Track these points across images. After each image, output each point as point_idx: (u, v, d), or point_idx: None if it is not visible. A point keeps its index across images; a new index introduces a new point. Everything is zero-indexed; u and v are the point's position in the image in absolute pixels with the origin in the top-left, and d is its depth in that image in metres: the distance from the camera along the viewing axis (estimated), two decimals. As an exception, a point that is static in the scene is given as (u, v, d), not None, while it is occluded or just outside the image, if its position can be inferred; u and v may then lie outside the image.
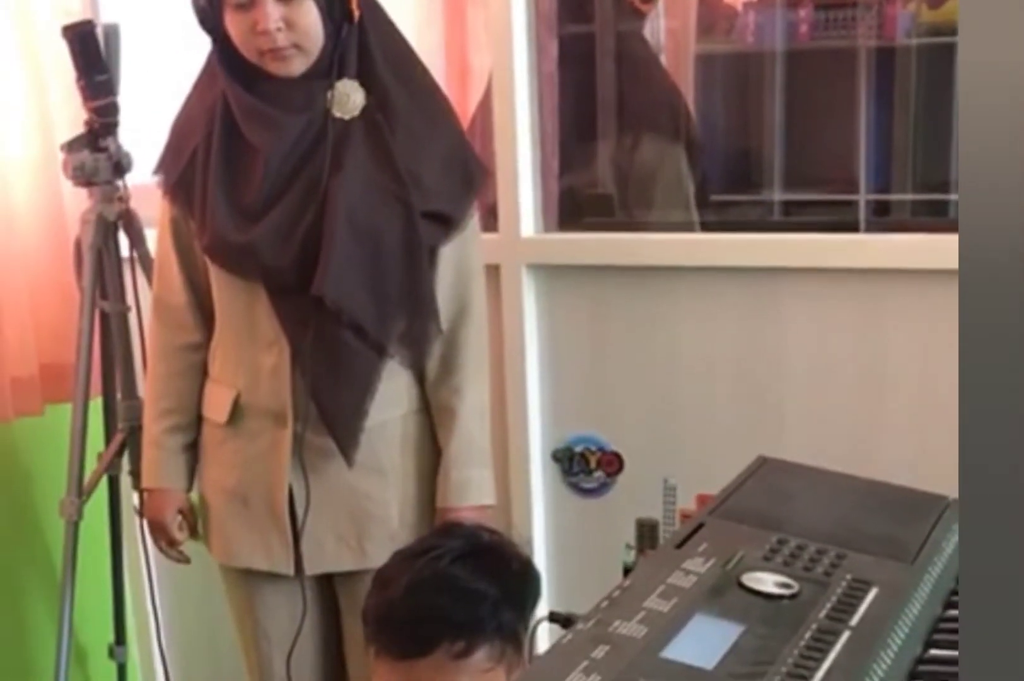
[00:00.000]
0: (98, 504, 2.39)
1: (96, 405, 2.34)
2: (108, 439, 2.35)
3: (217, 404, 1.91)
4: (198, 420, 1.95)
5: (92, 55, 2.13)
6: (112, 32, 2.17)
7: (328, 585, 1.95)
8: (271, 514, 1.88)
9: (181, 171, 1.85)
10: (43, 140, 2.42)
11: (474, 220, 1.89)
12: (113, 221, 2.22)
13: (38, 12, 2.40)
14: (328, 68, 1.79)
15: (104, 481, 2.36)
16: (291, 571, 1.89)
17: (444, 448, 1.89)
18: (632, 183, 2.48)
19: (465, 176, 1.86)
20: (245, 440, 1.89)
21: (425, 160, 1.81)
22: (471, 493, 1.88)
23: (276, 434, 1.85)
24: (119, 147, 2.20)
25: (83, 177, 2.19)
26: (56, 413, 2.41)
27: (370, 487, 1.87)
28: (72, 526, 2.25)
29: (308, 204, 1.77)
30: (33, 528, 2.57)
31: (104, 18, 2.46)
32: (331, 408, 1.82)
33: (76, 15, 2.34)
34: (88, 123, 2.19)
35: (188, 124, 1.88)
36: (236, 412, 1.88)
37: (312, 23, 1.75)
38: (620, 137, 2.50)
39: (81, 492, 2.26)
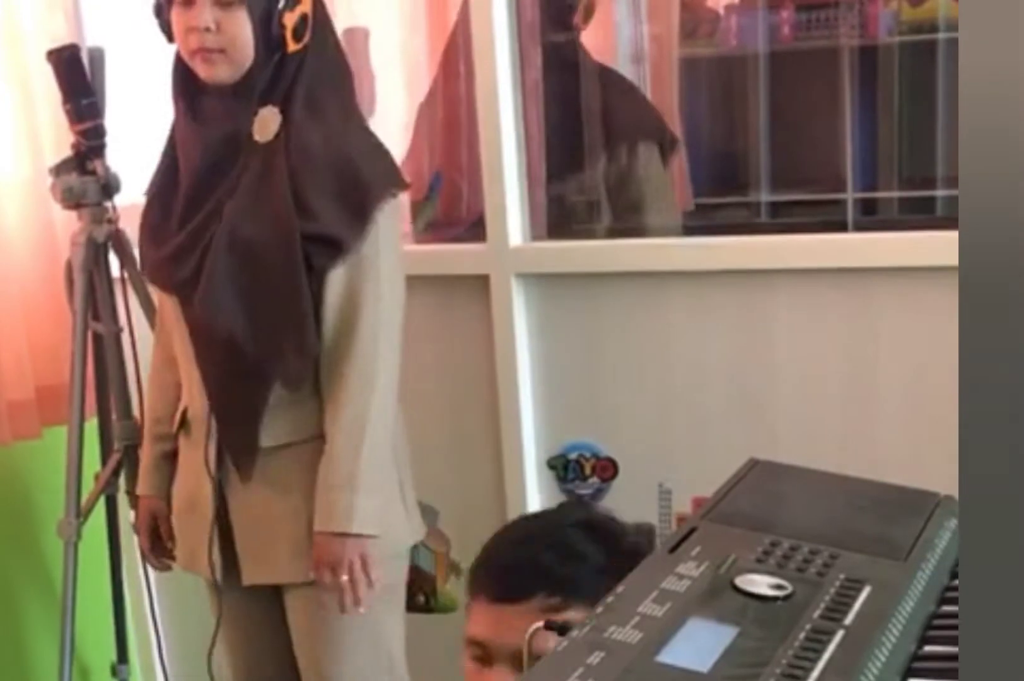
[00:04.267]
0: (97, 524, 2.40)
1: (92, 426, 2.35)
2: (104, 459, 2.36)
3: (177, 415, 1.98)
4: None
5: (78, 79, 2.15)
6: (97, 56, 2.19)
7: (277, 595, 1.96)
8: (205, 523, 1.92)
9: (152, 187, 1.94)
10: (32, 164, 2.43)
11: (385, 242, 1.85)
12: (103, 242, 2.23)
13: (25, 36, 2.42)
14: (256, 90, 1.82)
15: (102, 501, 2.37)
16: (219, 579, 1.93)
17: None
18: (617, 189, 2.48)
19: (360, 206, 1.83)
20: (191, 450, 1.95)
21: (317, 187, 1.82)
22: (337, 519, 1.81)
23: (206, 446, 1.91)
24: (107, 169, 2.21)
25: (72, 200, 2.21)
26: (54, 435, 2.41)
27: (278, 504, 1.89)
28: (71, 547, 2.26)
29: (210, 223, 1.84)
30: (33, 550, 2.58)
31: (89, 42, 2.46)
32: (223, 426, 1.88)
33: (61, 39, 2.34)
34: (75, 146, 2.20)
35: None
36: (184, 423, 1.95)
37: (241, 33, 1.79)
38: (605, 145, 2.50)
39: (79, 513, 2.27)
